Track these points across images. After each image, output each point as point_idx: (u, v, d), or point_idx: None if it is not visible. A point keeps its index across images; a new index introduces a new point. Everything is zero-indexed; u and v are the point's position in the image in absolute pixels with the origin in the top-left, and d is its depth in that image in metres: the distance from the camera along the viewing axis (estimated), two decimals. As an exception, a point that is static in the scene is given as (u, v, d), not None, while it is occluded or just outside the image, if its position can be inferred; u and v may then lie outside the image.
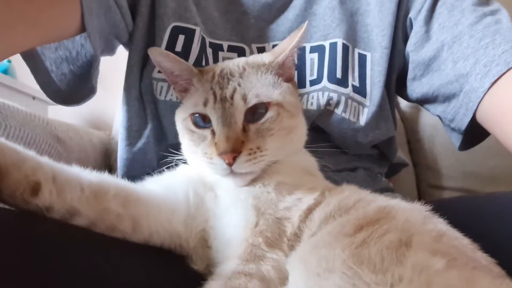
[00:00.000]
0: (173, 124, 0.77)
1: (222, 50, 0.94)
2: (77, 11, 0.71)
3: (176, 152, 0.73)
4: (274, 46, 0.95)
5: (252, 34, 0.97)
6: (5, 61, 1.90)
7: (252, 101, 0.64)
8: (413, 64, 0.93)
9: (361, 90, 0.93)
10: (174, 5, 0.88)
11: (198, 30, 0.89)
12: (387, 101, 0.98)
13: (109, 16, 0.80)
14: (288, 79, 0.72)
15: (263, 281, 0.52)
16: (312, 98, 0.93)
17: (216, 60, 0.93)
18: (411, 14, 0.92)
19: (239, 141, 0.61)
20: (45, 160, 0.52)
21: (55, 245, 0.46)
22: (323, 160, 0.85)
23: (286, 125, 0.67)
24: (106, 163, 1.47)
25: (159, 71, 0.85)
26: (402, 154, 1.39)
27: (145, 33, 0.89)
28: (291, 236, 0.58)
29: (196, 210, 0.64)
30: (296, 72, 0.94)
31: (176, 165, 0.74)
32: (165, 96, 0.88)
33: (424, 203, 0.60)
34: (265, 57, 0.71)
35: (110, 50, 0.92)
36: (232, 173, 0.61)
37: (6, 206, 0.48)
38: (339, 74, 0.92)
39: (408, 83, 0.97)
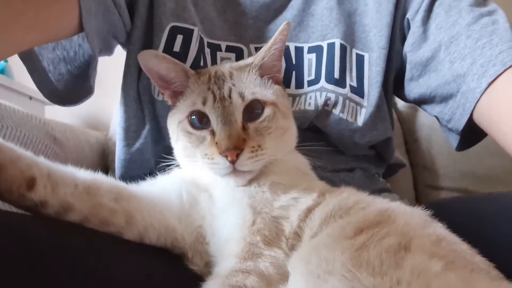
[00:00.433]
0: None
1: (220, 50, 0.94)
2: (75, 10, 0.71)
3: (169, 157, 0.73)
4: None
5: (250, 34, 0.97)
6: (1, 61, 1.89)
7: (249, 98, 0.66)
8: (410, 64, 0.93)
9: (359, 90, 0.94)
10: (172, 5, 0.88)
11: (196, 30, 0.88)
12: (384, 102, 0.98)
13: (107, 15, 0.80)
14: (277, 82, 0.73)
15: (261, 277, 0.52)
16: (310, 98, 0.93)
17: (214, 60, 0.93)
18: (409, 15, 0.92)
19: (241, 138, 0.62)
20: (41, 159, 0.53)
21: (52, 245, 0.46)
22: (321, 160, 0.86)
23: (281, 125, 0.69)
24: (103, 163, 1.46)
25: None
26: (399, 155, 1.39)
27: (143, 32, 0.89)
28: (291, 235, 0.58)
29: (190, 208, 0.65)
30: (294, 72, 0.95)
31: (170, 169, 0.74)
32: (163, 97, 0.88)
33: (422, 204, 0.61)
34: (248, 60, 0.73)
35: (108, 50, 0.92)
36: (234, 171, 0.62)
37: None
38: (337, 75, 0.92)
39: (406, 84, 0.97)
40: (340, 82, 0.92)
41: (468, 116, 0.82)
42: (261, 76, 0.71)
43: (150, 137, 0.92)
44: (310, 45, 0.96)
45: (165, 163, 0.73)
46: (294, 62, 0.95)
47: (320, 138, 0.96)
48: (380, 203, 0.61)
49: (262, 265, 0.54)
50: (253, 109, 0.66)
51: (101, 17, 0.78)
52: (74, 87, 0.85)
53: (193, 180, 0.68)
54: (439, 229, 0.55)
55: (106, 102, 1.70)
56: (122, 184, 0.64)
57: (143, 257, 0.57)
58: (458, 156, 1.26)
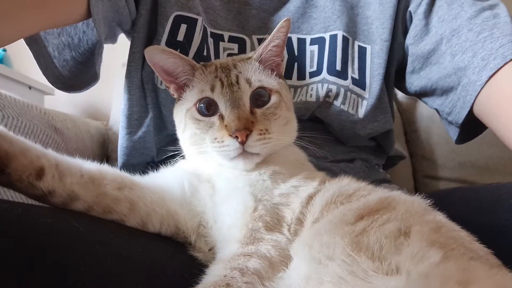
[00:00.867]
0: (172, 113, 0.77)
1: (223, 40, 0.94)
2: None
3: (172, 148, 0.74)
4: None
5: (253, 24, 0.97)
6: (0, 50, 1.88)
7: (256, 84, 0.68)
8: (412, 57, 0.94)
9: (360, 82, 0.94)
10: None
11: (200, 20, 0.88)
12: (386, 94, 0.98)
13: (113, 2, 0.80)
14: (278, 76, 0.75)
15: (263, 259, 0.53)
16: (312, 89, 0.93)
17: (217, 50, 0.94)
18: (411, 8, 0.93)
19: (249, 121, 0.64)
20: (49, 150, 0.55)
21: (61, 235, 0.47)
22: (322, 150, 0.86)
23: (285, 115, 0.71)
24: (104, 153, 1.47)
25: None
26: (399, 147, 1.40)
27: (148, 21, 0.89)
28: (294, 221, 0.60)
29: (192, 196, 0.66)
30: (296, 64, 0.95)
31: (174, 160, 0.75)
32: (169, 91, 0.88)
33: (422, 194, 0.61)
34: (247, 55, 0.75)
35: (113, 38, 0.92)
36: (243, 153, 0.64)
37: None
38: (338, 66, 0.92)
39: (407, 76, 0.98)
40: (342, 74, 0.92)
41: (468, 109, 0.83)
42: (263, 68, 0.72)
43: (152, 125, 0.92)
44: (313, 36, 0.96)
45: (170, 153, 0.74)
46: (296, 54, 0.95)
47: (321, 129, 0.97)
48: (381, 191, 0.62)
49: (263, 248, 0.55)
50: (260, 96, 0.68)
51: (108, 3, 0.78)
52: (79, 73, 0.86)
53: (195, 171, 0.69)
54: (439, 216, 0.56)
55: (106, 92, 1.69)
56: (126, 174, 0.65)
57: (150, 246, 0.59)
58: (457, 147, 1.27)
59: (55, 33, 0.80)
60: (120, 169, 0.67)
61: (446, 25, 0.87)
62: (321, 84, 0.93)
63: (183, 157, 0.75)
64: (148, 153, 0.96)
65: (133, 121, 0.92)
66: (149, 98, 0.91)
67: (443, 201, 0.61)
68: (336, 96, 0.92)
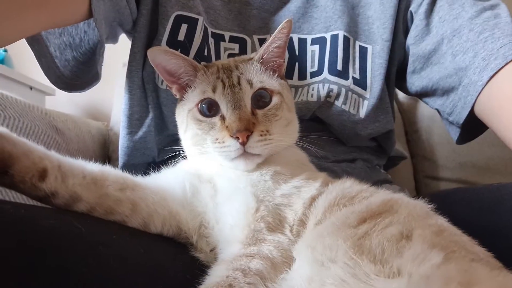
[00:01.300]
0: (173, 114, 0.78)
1: (224, 40, 0.94)
2: None
3: (173, 148, 0.74)
4: None
5: (254, 24, 0.97)
6: (1, 50, 1.88)
7: (257, 85, 0.68)
8: (413, 57, 0.94)
9: (361, 82, 0.94)
10: None
11: (201, 20, 0.89)
12: (387, 94, 0.99)
13: (114, 2, 0.80)
14: (280, 77, 0.75)
15: (265, 260, 0.53)
16: (313, 89, 0.93)
17: (217, 50, 0.94)
18: (412, 7, 0.93)
19: (251, 122, 0.64)
20: (52, 152, 0.56)
21: (63, 236, 0.47)
22: (323, 150, 0.86)
23: (286, 116, 0.71)
24: (105, 153, 1.47)
25: None
26: (400, 147, 1.40)
27: (149, 21, 0.89)
28: (297, 222, 0.60)
29: (193, 197, 0.66)
30: (297, 63, 0.95)
31: (176, 160, 0.75)
32: (167, 85, 0.88)
33: (422, 194, 0.61)
34: (249, 56, 0.76)
35: (114, 38, 0.93)
36: (244, 154, 0.64)
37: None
38: (339, 66, 0.92)
39: (408, 76, 0.98)
40: (343, 74, 0.92)
41: (469, 109, 0.83)
42: (265, 69, 0.72)
43: (153, 125, 0.93)
44: (314, 36, 0.96)
45: (171, 154, 0.74)
46: (297, 54, 0.95)
47: (322, 129, 0.97)
48: (383, 194, 0.62)
49: (266, 248, 0.55)
50: (261, 97, 0.68)
51: (109, 3, 0.78)
52: (80, 73, 0.86)
53: (196, 172, 0.70)
54: (441, 220, 0.56)
55: (107, 93, 1.70)
56: (127, 175, 0.65)
57: (152, 246, 0.59)
58: (458, 147, 1.27)
59: (56, 33, 0.80)
60: (121, 170, 0.67)
61: (447, 25, 0.87)
62: (322, 84, 0.93)
63: (184, 157, 0.75)
64: (149, 153, 0.96)
65: (134, 121, 0.92)
66: (150, 98, 0.92)
67: (444, 202, 0.61)
68: (337, 96, 0.92)
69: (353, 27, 0.96)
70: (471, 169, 1.54)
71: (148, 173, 0.72)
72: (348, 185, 0.64)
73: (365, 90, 0.94)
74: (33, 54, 0.80)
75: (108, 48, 0.93)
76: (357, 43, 0.95)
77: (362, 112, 0.94)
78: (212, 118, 0.67)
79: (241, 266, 0.52)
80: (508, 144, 0.77)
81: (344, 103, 0.93)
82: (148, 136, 0.93)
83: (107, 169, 0.62)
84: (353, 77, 0.93)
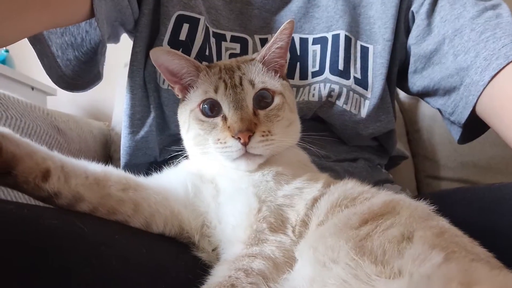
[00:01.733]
0: (175, 113, 0.78)
1: (225, 40, 0.95)
2: None
3: (175, 148, 0.75)
4: None
5: (255, 24, 0.97)
6: (2, 50, 1.88)
7: (259, 86, 0.68)
8: (414, 57, 0.94)
9: (362, 82, 0.94)
10: None
11: (202, 20, 0.89)
12: (388, 94, 0.99)
13: (116, 1, 0.80)
14: (281, 77, 0.75)
15: (267, 260, 0.53)
16: (314, 89, 0.93)
17: (219, 49, 0.94)
18: (414, 7, 0.93)
19: (252, 122, 0.64)
20: (54, 152, 0.56)
21: (66, 236, 0.48)
22: (324, 150, 0.86)
23: (288, 117, 0.71)
24: (106, 153, 1.48)
25: None
26: (401, 147, 1.40)
27: (150, 20, 0.89)
28: (299, 223, 0.60)
29: (195, 197, 0.66)
30: (298, 63, 0.95)
31: (178, 160, 0.75)
32: (168, 85, 0.88)
33: (423, 194, 0.61)
34: (251, 56, 0.76)
35: (115, 37, 0.93)
36: (245, 154, 0.64)
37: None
38: (341, 66, 0.92)
39: (409, 76, 0.98)
40: (344, 74, 0.92)
41: (471, 109, 0.83)
42: (267, 69, 0.72)
43: (155, 125, 0.93)
44: (315, 36, 0.96)
45: (173, 154, 0.75)
46: (298, 53, 0.95)
47: (323, 128, 0.97)
48: (385, 195, 0.62)
49: (268, 249, 0.55)
50: (263, 98, 0.69)
51: (111, 3, 0.79)
52: (82, 73, 0.86)
53: (198, 172, 0.70)
54: (442, 222, 0.57)
55: (108, 93, 1.70)
56: (130, 175, 0.65)
57: (154, 246, 0.59)
58: (459, 147, 1.27)
59: (58, 32, 0.80)
60: (123, 169, 0.67)
61: (448, 25, 0.87)
62: (324, 84, 0.93)
63: (186, 157, 0.75)
64: (150, 153, 0.96)
65: (136, 121, 0.93)
66: (152, 98, 0.92)
67: (445, 202, 0.61)
68: (339, 96, 0.92)
69: (355, 27, 0.96)
70: (473, 168, 1.54)
71: (150, 173, 0.72)
72: (350, 186, 0.65)
73: (367, 90, 0.94)
74: (34, 54, 0.80)
75: (110, 48, 0.93)
76: (359, 43, 0.95)
77: (364, 112, 0.94)
78: (214, 118, 0.68)
79: (244, 266, 0.52)
80: (510, 143, 0.77)
81: (346, 102, 0.93)
82: (149, 136, 0.93)
83: (110, 169, 0.63)
84: (354, 77, 0.93)
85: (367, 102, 0.94)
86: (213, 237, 0.64)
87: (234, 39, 0.95)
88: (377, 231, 0.51)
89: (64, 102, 1.95)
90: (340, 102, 0.93)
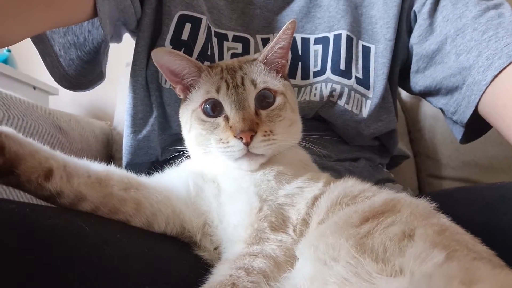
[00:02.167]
0: (177, 113, 0.78)
1: (227, 40, 0.95)
2: None
3: (177, 148, 0.75)
4: None
5: (257, 24, 0.97)
6: (5, 50, 1.89)
7: (261, 86, 0.68)
8: (416, 56, 0.93)
9: (364, 82, 0.94)
10: None
11: (204, 19, 0.89)
12: (390, 94, 0.98)
13: (119, 1, 0.80)
14: (283, 77, 0.75)
15: (268, 258, 0.54)
16: (316, 89, 0.93)
17: (221, 49, 0.94)
18: (416, 7, 0.93)
19: (254, 122, 0.65)
20: (57, 152, 0.56)
21: (68, 235, 0.48)
22: (326, 149, 0.86)
23: (290, 116, 0.71)
24: (108, 152, 1.48)
25: None
26: (403, 146, 1.40)
27: (153, 20, 0.89)
28: (300, 222, 0.60)
29: (196, 196, 0.67)
30: (300, 63, 0.95)
31: (179, 158, 0.75)
32: (170, 85, 0.88)
33: (425, 193, 0.61)
34: (253, 56, 0.76)
35: (118, 37, 0.93)
36: (247, 154, 0.64)
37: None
38: (342, 66, 0.92)
39: (411, 76, 0.97)
40: (346, 73, 0.92)
41: (473, 108, 0.83)
42: (268, 69, 0.72)
43: (157, 124, 0.93)
44: (317, 36, 0.96)
45: (175, 153, 0.75)
46: (300, 53, 0.95)
47: (325, 128, 0.97)
48: (386, 193, 0.62)
49: (269, 248, 0.56)
50: (265, 98, 0.69)
51: (114, 3, 0.79)
52: (84, 72, 0.87)
53: (200, 172, 0.70)
54: (443, 219, 0.56)
55: (110, 92, 1.70)
56: (132, 174, 0.66)
57: (155, 245, 0.59)
58: (461, 146, 1.27)
59: (61, 32, 0.81)
60: (125, 169, 0.68)
61: (450, 24, 0.87)
62: (325, 84, 0.93)
63: (188, 157, 0.75)
64: (152, 152, 0.96)
65: (138, 120, 0.93)
66: (154, 97, 0.92)
67: (447, 201, 0.61)
68: (340, 95, 0.92)
69: (356, 27, 0.96)
70: (474, 168, 1.54)
71: (152, 173, 0.72)
72: (350, 184, 0.65)
73: (368, 89, 0.94)
74: (36, 54, 0.81)
75: (111, 47, 0.94)
76: (360, 43, 0.95)
77: (365, 112, 0.94)
78: (216, 118, 0.68)
79: (245, 265, 0.52)
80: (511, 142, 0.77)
81: (347, 102, 0.93)
82: (151, 135, 0.94)
83: (112, 168, 0.63)
84: (356, 77, 0.93)
85: (368, 101, 0.94)
86: (214, 236, 0.64)
87: (236, 38, 0.95)
88: (378, 229, 0.51)
89: (66, 101, 1.96)
90: (341, 102, 0.93)
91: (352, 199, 0.60)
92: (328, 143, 0.92)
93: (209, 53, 0.89)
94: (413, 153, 1.65)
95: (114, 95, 1.71)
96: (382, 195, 0.61)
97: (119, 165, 0.89)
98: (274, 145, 0.66)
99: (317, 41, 0.96)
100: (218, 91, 0.67)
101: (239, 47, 0.95)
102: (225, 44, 0.94)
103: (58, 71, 0.83)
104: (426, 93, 0.97)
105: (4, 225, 0.42)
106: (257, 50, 0.94)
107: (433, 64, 0.91)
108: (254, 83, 0.68)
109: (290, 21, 0.70)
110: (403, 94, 1.71)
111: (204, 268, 0.56)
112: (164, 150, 0.98)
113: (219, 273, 0.52)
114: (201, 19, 0.88)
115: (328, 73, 0.93)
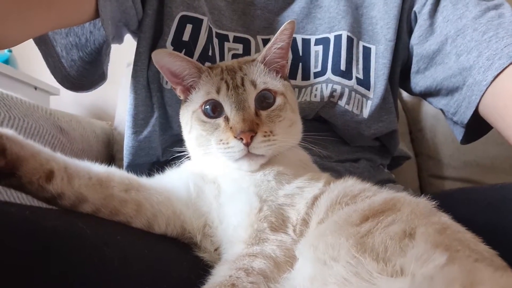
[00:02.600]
0: (178, 113, 0.78)
1: (228, 40, 0.95)
2: None
3: (178, 149, 0.75)
4: None
5: (258, 25, 0.98)
6: (6, 50, 1.89)
7: (261, 86, 0.68)
8: (417, 57, 0.93)
9: (365, 82, 0.94)
10: None
11: (205, 20, 0.89)
12: (390, 94, 0.98)
13: (120, 2, 0.81)
14: (283, 78, 0.75)
15: (268, 259, 0.54)
16: (316, 90, 0.93)
17: (222, 50, 0.94)
18: (416, 8, 0.93)
19: (254, 122, 0.65)
20: (58, 154, 0.56)
21: (68, 237, 0.48)
22: (326, 150, 0.86)
23: (290, 117, 0.71)
24: (109, 153, 1.48)
25: None
26: (404, 147, 1.40)
27: (154, 21, 0.89)
28: (300, 222, 0.60)
29: (197, 197, 0.67)
30: (300, 64, 0.95)
31: (180, 159, 0.75)
32: (171, 86, 0.88)
33: (427, 194, 0.61)
34: (252, 57, 0.76)
35: (119, 38, 0.93)
36: (248, 155, 0.64)
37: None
38: (343, 66, 0.92)
39: (412, 76, 0.97)
40: (346, 74, 0.92)
41: (474, 109, 0.83)
42: (268, 70, 0.72)
43: (158, 125, 0.93)
44: (317, 37, 0.96)
45: (176, 154, 0.75)
46: (301, 54, 0.96)
47: (325, 128, 0.97)
48: (386, 193, 0.62)
49: (268, 248, 0.56)
50: (265, 98, 0.69)
51: (116, 4, 0.79)
52: (86, 73, 0.87)
53: (200, 173, 0.70)
54: (444, 218, 0.56)
55: (111, 92, 1.70)
56: (132, 176, 0.66)
57: (156, 247, 0.59)
58: (462, 146, 1.27)
59: (63, 33, 0.81)
60: (126, 169, 0.68)
61: (451, 25, 0.87)
62: (326, 84, 0.93)
63: (188, 158, 0.75)
64: (153, 153, 0.97)
65: (139, 121, 0.93)
66: (155, 98, 0.92)
67: (448, 202, 0.61)
68: (341, 96, 0.92)
69: (357, 28, 0.96)
70: (476, 167, 1.53)
71: (152, 174, 0.72)
72: (350, 184, 0.65)
73: (369, 90, 0.94)
74: (37, 54, 0.81)
75: (113, 48, 0.94)
76: (361, 43, 0.95)
77: (366, 112, 0.94)
78: (216, 119, 0.68)
79: (244, 266, 0.52)
80: None
81: (348, 103, 0.93)
82: (152, 136, 0.94)
83: (113, 170, 0.63)
84: (356, 77, 0.93)
85: (369, 102, 0.94)
86: (215, 237, 0.64)
87: (236, 39, 0.95)
88: (378, 228, 0.51)
89: (67, 101, 1.96)
90: (342, 103, 0.93)
91: (352, 198, 0.60)
92: (328, 143, 0.92)
93: (210, 53, 0.89)
94: (414, 153, 1.64)
95: (115, 95, 1.71)
96: (382, 194, 0.61)
97: (120, 165, 0.89)
98: (274, 146, 0.66)
99: (317, 42, 0.96)
100: (218, 92, 0.68)
101: (240, 48, 0.95)
102: (226, 45, 0.94)
103: (60, 72, 0.84)
104: (427, 94, 0.97)
105: (4, 227, 0.42)
106: (258, 51, 0.94)
107: (433, 65, 0.91)
108: (254, 84, 0.68)
109: (288, 21, 0.70)
110: (404, 94, 1.70)
111: (204, 269, 0.56)
112: (165, 150, 0.98)
113: (219, 274, 0.52)
114: (202, 20, 0.88)
115: (329, 73, 0.93)
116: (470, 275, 0.41)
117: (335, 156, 0.96)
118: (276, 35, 0.70)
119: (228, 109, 0.66)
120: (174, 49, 0.87)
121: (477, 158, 1.53)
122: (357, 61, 0.94)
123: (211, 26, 0.91)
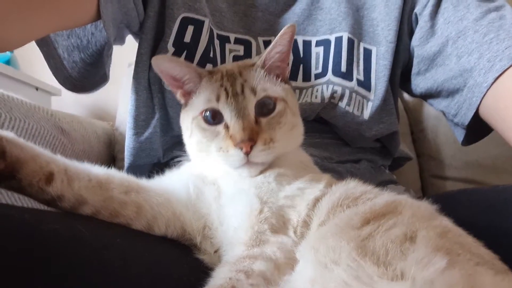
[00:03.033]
0: (179, 115, 0.78)
1: (229, 42, 0.95)
2: None
3: (179, 152, 0.75)
4: None
5: (259, 26, 0.98)
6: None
7: (261, 94, 0.68)
8: (417, 58, 0.93)
9: (365, 84, 0.94)
10: None
11: (207, 22, 0.89)
12: (391, 96, 0.98)
13: (122, 4, 0.81)
14: (284, 81, 0.74)
15: (268, 261, 0.53)
16: (317, 91, 0.93)
17: (223, 52, 0.94)
18: (417, 9, 0.92)
19: (254, 131, 0.64)
20: (58, 156, 0.57)
21: (67, 240, 0.48)
22: (327, 151, 0.86)
23: (291, 121, 0.71)
24: (110, 154, 1.48)
25: None
26: (405, 148, 1.39)
27: (156, 23, 0.89)
28: (300, 224, 0.60)
29: (197, 198, 0.66)
30: (301, 65, 0.95)
31: (180, 162, 0.75)
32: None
33: (428, 194, 0.61)
34: (252, 60, 0.75)
35: (121, 39, 0.94)
36: (247, 163, 0.64)
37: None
38: (344, 68, 0.92)
39: (413, 78, 0.97)
40: (347, 75, 0.92)
41: (474, 110, 0.83)
42: (268, 74, 0.72)
43: (159, 126, 0.93)
44: (318, 38, 0.96)
45: (177, 158, 0.75)
46: (301, 56, 0.96)
47: (326, 130, 0.97)
48: (387, 195, 0.62)
49: (269, 250, 0.55)
50: (265, 105, 0.68)
51: (117, 5, 0.79)
52: (88, 74, 0.87)
53: (200, 174, 0.70)
54: (445, 221, 0.56)
55: (112, 93, 1.70)
56: (132, 177, 0.66)
57: (156, 249, 0.59)
58: (464, 147, 1.27)
59: (64, 35, 0.81)
60: (127, 170, 0.68)
61: (452, 26, 0.86)
62: (326, 86, 0.93)
63: (188, 160, 0.75)
64: (154, 154, 0.97)
65: (140, 122, 0.93)
66: (156, 99, 0.92)
67: (450, 203, 0.61)
68: (341, 97, 0.92)
69: (358, 29, 0.95)
70: (478, 168, 1.53)
71: (152, 175, 0.72)
72: (351, 186, 0.64)
73: (369, 91, 0.94)
74: (39, 55, 0.81)
75: (114, 48, 0.94)
76: (362, 45, 0.95)
77: (366, 114, 0.94)
78: (216, 126, 0.67)
79: (244, 268, 0.52)
80: None
81: (348, 104, 0.93)
82: (153, 137, 0.94)
83: (112, 172, 0.63)
84: (357, 79, 0.93)
85: (370, 103, 0.94)
86: (215, 239, 0.64)
87: (238, 41, 0.95)
88: (379, 231, 0.51)
89: (69, 102, 1.96)
90: (342, 104, 0.93)
91: (353, 201, 0.60)
92: (329, 145, 0.92)
93: (211, 55, 0.89)
94: (416, 153, 1.64)
95: (116, 96, 1.71)
96: (383, 196, 0.61)
97: (121, 165, 0.89)
98: (274, 153, 0.66)
99: (318, 43, 0.96)
100: (218, 99, 0.67)
101: (241, 49, 0.95)
102: (227, 46, 0.94)
103: (62, 74, 0.84)
104: (428, 95, 0.97)
105: (3, 230, 0.42)
106: (259, 53, 0.95)
107: (434, 66, 0.91)
108: (254, 91, 0.67)
109: (288, 25, 0.70)
110: (406, 94, 1.70)
111: (204, 271, 0.56)
112: (166, 152, 0.98)
113: (219, 276, 0.52)
114: (203, 21, 0.88)
115: (329, 75, 0.93)
116: (471, 279, 0.41)
117: (336, 157, 0.96)
118: (276, 38, 0.70)
119: (228, 117, 0.66)
120: (175, 51, 0.87)
121: (479, 159, 1.52)
122: (358, 62, 0.94)
123: (212, 27, 0.91)
